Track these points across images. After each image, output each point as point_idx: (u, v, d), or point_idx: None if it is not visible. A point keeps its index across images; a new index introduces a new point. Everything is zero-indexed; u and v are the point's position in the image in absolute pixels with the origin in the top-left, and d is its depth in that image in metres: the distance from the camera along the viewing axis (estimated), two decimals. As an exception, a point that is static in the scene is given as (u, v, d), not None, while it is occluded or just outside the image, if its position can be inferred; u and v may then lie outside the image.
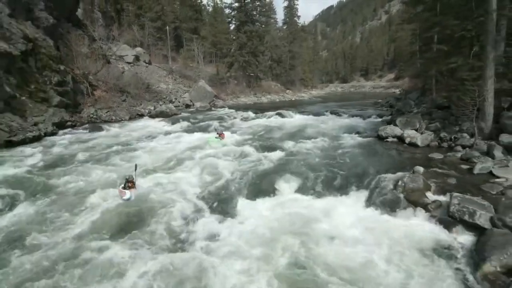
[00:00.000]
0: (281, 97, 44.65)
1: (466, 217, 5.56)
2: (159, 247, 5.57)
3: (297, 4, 59.63)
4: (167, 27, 46.40)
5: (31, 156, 11.28)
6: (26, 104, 15.59)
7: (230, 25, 50.68)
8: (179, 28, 52.79)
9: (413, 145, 11.53)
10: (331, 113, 21.72)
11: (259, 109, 26.10)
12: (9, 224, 6.40)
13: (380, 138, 12.95)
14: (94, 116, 20.78)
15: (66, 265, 5.08)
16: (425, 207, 6.38)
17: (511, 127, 9.27)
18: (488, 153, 8.90)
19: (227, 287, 4.55)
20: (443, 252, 5.23)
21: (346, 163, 9.71)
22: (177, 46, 51.17)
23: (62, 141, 13.89)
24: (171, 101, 30.61)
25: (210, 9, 62.55)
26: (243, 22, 42.84)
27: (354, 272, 4.88)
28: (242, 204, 7.26)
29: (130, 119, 22.24)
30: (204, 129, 17.03)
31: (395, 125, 13.16)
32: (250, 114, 22.36)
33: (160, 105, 27.27)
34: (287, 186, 8.04)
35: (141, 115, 23.86)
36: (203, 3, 63.57)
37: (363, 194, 7.45)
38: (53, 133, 15.63)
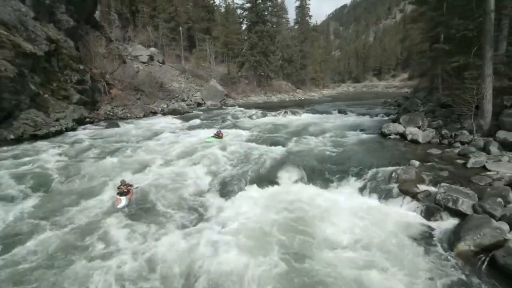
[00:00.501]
0: (291, 96, 45.07)
1: (450, 204, 6.00)
2: (170, 223, 6.34)
3: (309, 4, 59.85)
4: (180, 28, 47.56)
5: (54, 148, 12.23)
6: (49, 101, 16.70)
7: (242, 25, 51.41)
8: (192, 28, 53.95)
9: (414, 141, 11.86)
10: (339, 111, 22.10)
11: (269, 107, 26.71)
12: (42, 202, 7.38)
13: (384, 135, 13.30)
14: (111, 113, 21.88)
15: (99, 232, 5.89)
16: (414, 196, 6.84)
17: (508, 124, 9.52)
18: (485, 149, 9.20)
19: (230, 256, 5.15)
20: (426, 235, 5.69)
21: (346, 157, 10.16)
22: (190, 46, 52.33)
23: (81, 136, 14.88)
24: (183, 100, 31.58)
25: (223, 9, 63.40)
26: (254, 22, 43.48)
27: (340, 247, 5.42)
28: (244, 191, 7.92)
29: (144, 116, 23.24)
30: (214, 126, 17.79)
31: (399, 123, 13.51)
32: (258, 112, 22.97)
33: (173, 103, 28.24)
34: (287, 176, 8.61)
35: (155, 113, 24.84)
36: (215, 3, 64.55)
37: (359, 184, 7.94)
38: (73, 129, 16.70)
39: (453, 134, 11.21)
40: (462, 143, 10.31)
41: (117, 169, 9.64)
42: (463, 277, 4.52)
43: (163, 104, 27.67)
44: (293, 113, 21.53)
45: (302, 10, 59.91)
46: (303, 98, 44.35)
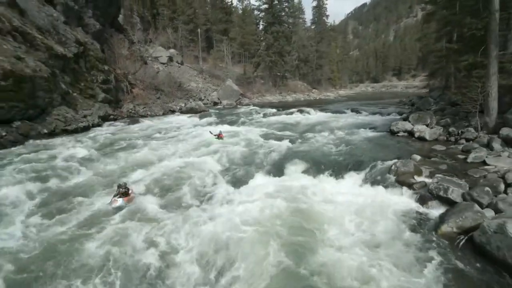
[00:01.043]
0: (306, 96, 45.37)
1: (441, 193, 6.43)
2: (186, 204, 7.17)
3: (326, 4, 59.91)
4: (199, 29, 48.97)
5: (83, 142, 13.46)
6: (77, 99, 18.12)
7: (258, 26, 52.21)
8: (210, 30, 55.35)
9: (421, 139, 12.09)
10: (351, 110, 22.34)
11: (283, 107, 27.31)
12: (77, 186, 8.39)
13: (392, 133, 13.57)
14: (133, 111, 23.25)
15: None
16: (411, 186, 7.28)
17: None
18: (488, 145, 9.43)
19: (239, 234, 5.81)
20: (417, 219, 6.15)
21: (351, 152, 10.62)
22: (207, 47, 53.76)
23: (106, 131, 16.15)
24: (200, 99, 32.76)
25: (240, 11, 64.48)
26: (270, 23, 44.16)
27: (336, 231, 5.99)
28: (253, 180, 8.63)
29: (163, 114, 24.51)
30: (232, 123, 18.71)
31: (408, 121, 13.76)
32: (271, 110, 23.66)
33: (190, 102, 29.42)
34: (293, 168, 9.25)
35: (173, 111, 26.09)
36: (233, 5, 65.75)
37: (361, 176, 8.44)
38: (98, 125, 18.05)
39: (459, 132, 11.41)
40: (467, 140, 10.52)
41: (136, 160, 10.60)
42: (444, 254, 4.99)
43: (181, 103, 28.91)
44: (306, 112, 22.01)
45: (319, 10, 60.02)
46: (318, 98, 44.56)
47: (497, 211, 5.56)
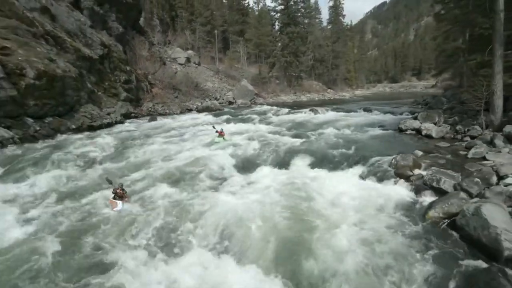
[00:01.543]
0: (321, 96, 45.56)
1: (434, 184, 6.87)
2: (201, 190, 7.96)
3: (343, 4, 59.66)
4: (216, 31, 50.18)
5: (107, 137, 14.60)
6: (102, 98, 19.45)
7: (274, 27, 52.82)
8: (227, 31, 56.52)
9: (428, 136, 12.33)
10: (364, 110, 22.57)
11: (296, 106, 27.89)
12: (104, 172, 9.35)
13: (401, 131, 13.84)
14: (152, 110, 24.52)
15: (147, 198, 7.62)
16: (408, 178, 7.74)
17: (517, 119, 9.87)
18: (491, 142, 9.66)
19: (246, 215, 6.47)
20: (409, 207, 6.63)
21: (356, 148, 11.02)
22: (224, 48, 54.93)
23: (128, 127, 17.33)
24: (216, 98, 33.81)
25: (256, 12, 65.30)
26: (286, 24, 44.67)
27: (334, 214, 6.57)
28: (261, 171, 9.34)
29: (181, 112, 25.68)
30: (244, 121, 19.50)
31: (417, 119, 14.01)
32: (284, 109, 24.24)
33: (206, 101, 30.53)
34: (300, 162, 9.84)
35: (190, 110, 27.24)
36: (249, 6, 66.67)
37: (362, 169, 8.94)
38: (121, 122, 19.32)
39: (466, 130, 11.61)
40: (472, 137, 10.74)
41: (155, 153, 11.54)
42: (429, 236, 5.48)
43: (197, 102, 30.05)
44: (318, 111, 22.41)
45: (336, 10, 59.95)
46: (332, 98, 44.66)
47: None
